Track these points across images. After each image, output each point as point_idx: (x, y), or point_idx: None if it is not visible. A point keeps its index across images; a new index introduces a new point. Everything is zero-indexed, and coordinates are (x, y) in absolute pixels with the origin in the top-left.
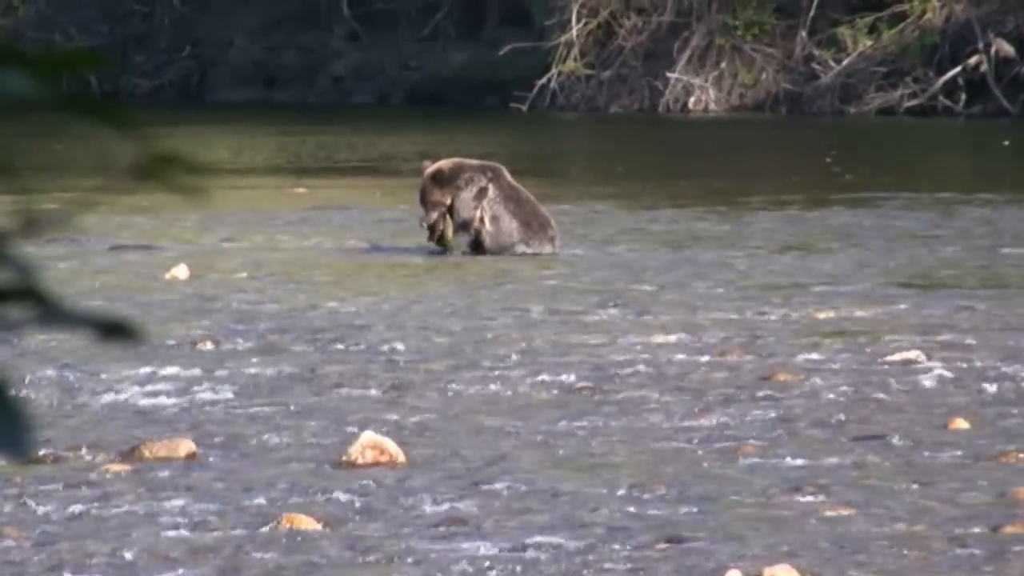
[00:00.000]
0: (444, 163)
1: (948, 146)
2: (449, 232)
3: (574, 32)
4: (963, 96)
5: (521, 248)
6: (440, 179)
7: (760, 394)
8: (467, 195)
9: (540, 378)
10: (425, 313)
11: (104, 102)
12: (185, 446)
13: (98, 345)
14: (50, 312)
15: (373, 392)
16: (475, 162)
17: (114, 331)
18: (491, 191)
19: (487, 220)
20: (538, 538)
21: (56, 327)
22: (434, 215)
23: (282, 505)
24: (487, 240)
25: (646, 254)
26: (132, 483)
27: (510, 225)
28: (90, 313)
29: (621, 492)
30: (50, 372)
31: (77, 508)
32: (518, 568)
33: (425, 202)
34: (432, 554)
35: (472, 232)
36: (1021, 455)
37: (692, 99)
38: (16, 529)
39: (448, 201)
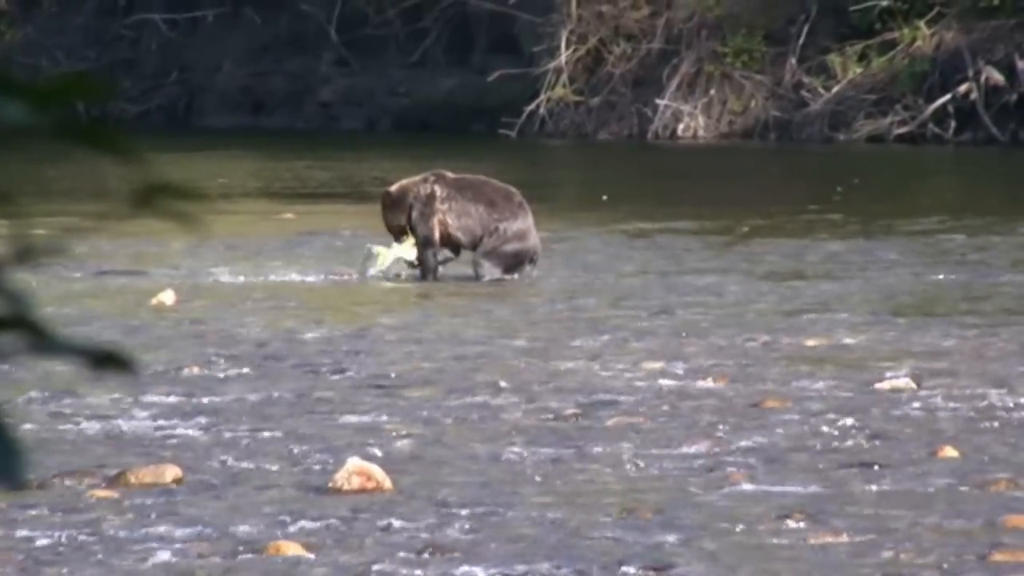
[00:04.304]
0: (392, 187)
1: (938, 174)
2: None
3: (563, 59)
4: (953, 124)
5: (494, 225)
6: (391, 203)
7: (749, 421)
8: (418, 209)
9: (528, 405)
10: (413, 339)
11: (98, 129)
12: (171, 472)
13: (89, 374)
14: (43, 342)
15: (360, 418)
16: (416, 177)
17: (107, 361)
18: (438, 192)
19: (452, 220)
20: (525, 566)
21: (49, 357)
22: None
23: (268, 531)
24: (463, 238)
25: (635, 280)
26: (118, 509)
27: (477, 212)
28: (83, 343)
29: (609, 519)
30: (35, 397)
31: (62, 534)
32: None
33: (388, 229)
34: None
35: (437, 243)
36: (1010, 483)
37: (681, 126)
38: (0, 554)
39: (404, 222)
